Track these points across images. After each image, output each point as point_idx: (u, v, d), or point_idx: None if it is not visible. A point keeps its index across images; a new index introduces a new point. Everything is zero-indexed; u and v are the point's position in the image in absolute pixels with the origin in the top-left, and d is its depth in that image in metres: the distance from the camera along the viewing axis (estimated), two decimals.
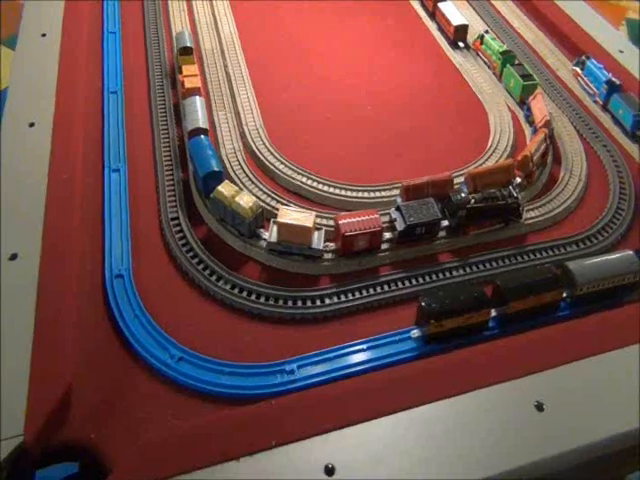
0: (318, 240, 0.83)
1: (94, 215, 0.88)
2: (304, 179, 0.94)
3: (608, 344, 0.72)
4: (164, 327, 0.75)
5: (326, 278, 0.83)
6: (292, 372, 0.72)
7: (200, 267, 0.82)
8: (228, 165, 0.94)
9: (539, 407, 0.65)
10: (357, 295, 0.80)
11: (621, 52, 1.22)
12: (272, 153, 0.97)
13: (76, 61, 1.07)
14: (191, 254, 0.83)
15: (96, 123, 1.02)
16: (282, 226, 0.82)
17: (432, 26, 1.34)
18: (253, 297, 0.79)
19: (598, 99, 1.14)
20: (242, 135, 1.00)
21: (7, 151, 0.90)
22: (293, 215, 0.83)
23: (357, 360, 0.74)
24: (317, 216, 0.85)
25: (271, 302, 0.79)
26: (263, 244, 0.84)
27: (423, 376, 0.69)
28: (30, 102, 0.98)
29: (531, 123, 1.07)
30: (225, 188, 0.85)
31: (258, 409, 0.65)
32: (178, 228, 0.86)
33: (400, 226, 0.84)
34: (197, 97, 0.99)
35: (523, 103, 1.12)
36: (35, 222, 0.81)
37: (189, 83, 1.01)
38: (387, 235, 0.86)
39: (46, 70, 1.04)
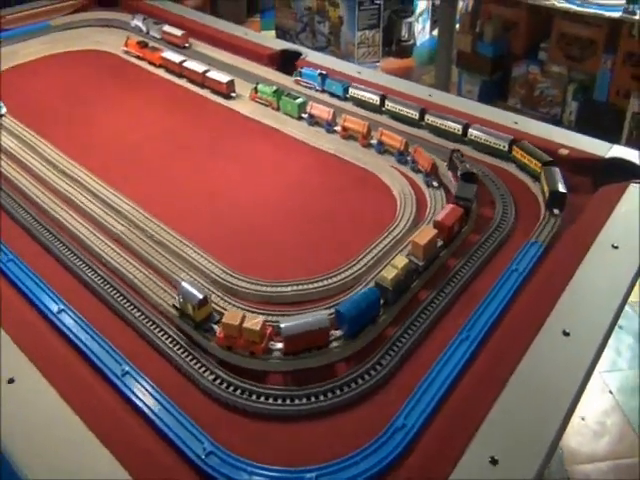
0: None
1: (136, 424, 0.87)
2: (287, 288, 1.08)
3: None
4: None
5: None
6: (404, 426, 0.84)
7: (262, 399, 0.90)
8: (219, 309, 1.02)
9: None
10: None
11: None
12: (246, 281, 1.09)
13: None
14: (254, 396, 0.90)
15: (61, 342, 1.00)
16: (426, 246, 1.04)
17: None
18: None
19: (318, 88, 1.68)
20: (213, 281, 1.10)
21: None
22: (423, 234, 1.07)
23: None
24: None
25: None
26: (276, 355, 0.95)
27: None
28: None
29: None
30: (388, 272, 0.99)
31: None
32: (219, 381, 0.92)
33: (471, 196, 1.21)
34: None
35: (301, 118, 1.57)
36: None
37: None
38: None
39: None
